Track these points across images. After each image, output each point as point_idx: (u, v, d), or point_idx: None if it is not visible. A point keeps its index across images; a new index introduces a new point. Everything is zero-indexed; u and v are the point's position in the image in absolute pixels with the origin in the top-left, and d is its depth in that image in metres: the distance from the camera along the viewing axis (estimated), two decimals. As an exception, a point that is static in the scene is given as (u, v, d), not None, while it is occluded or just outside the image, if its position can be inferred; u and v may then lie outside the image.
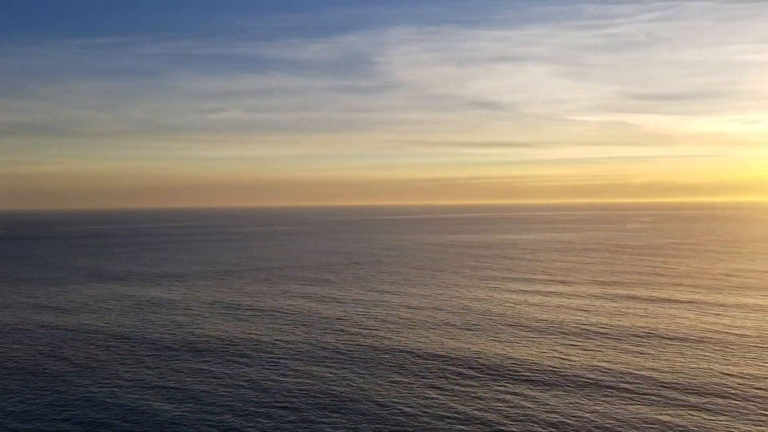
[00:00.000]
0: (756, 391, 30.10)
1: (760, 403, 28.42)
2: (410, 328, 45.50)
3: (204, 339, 43.21)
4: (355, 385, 32.05)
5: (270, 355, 38.43)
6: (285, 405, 29.14)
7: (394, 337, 42.61)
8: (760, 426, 25.75)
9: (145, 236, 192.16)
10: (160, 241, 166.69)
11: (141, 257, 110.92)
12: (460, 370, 34.44)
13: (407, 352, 38.58)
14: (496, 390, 30.84)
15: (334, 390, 31.21)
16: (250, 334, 44.61)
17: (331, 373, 34.35)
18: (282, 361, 37.09)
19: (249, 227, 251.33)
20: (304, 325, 47.61)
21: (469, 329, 44.91)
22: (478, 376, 33.18)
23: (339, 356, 37.93)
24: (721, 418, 26.70)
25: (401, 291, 64.03)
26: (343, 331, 45.09)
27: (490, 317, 49.17)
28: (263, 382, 32.86)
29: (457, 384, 31.91)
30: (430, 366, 35.31)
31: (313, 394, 30.69)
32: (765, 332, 42.72)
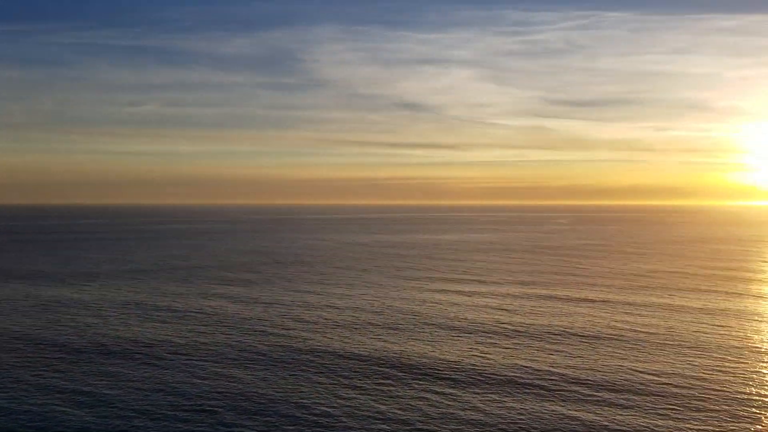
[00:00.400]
0: (664, 387, 31.47)
1: (668, 398, 29.71)
2: (333, 329, 45.18)
3: (117, 341, 41.44)
4: (275, 387, 31.45)
5: (187, 358, 37.23)
6: (202, 408, 28.24)
7: (317, 338, 42.18)
8: (669, 420, 26.91)
9: (55, 233, 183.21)
10: (72, 238, 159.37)
11: (50, 255, 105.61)
12: (383, 370, 34.42)
13: (330, 352, 38.25)
14: (418, 389, 30.96)
15: (254, 392, 30.52)
16: (167, 336, 43.12)
17: (251, 375, 33.60)
18: (199, 363, 35.99)
19: (167, 225, 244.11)
20: (223, 326, 46.45)
21: (391, 329, 45.01)
22: (400, 376, 33.24)
23: (260, 358, 37.17)
24: (633, 413, 27.74)
25: (324, 291, 63.59)
26: (264, 332, 44.27)
27: (412, 317, 49.48)
28: (179, 385, 31.76)
29: (380, 384, 31.85)
30: (352, 366, 35.11)
31: (231, 397, 29.90)
32: (672, 330, 44.83)
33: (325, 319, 48.97)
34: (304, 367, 35.00)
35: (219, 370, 34.59)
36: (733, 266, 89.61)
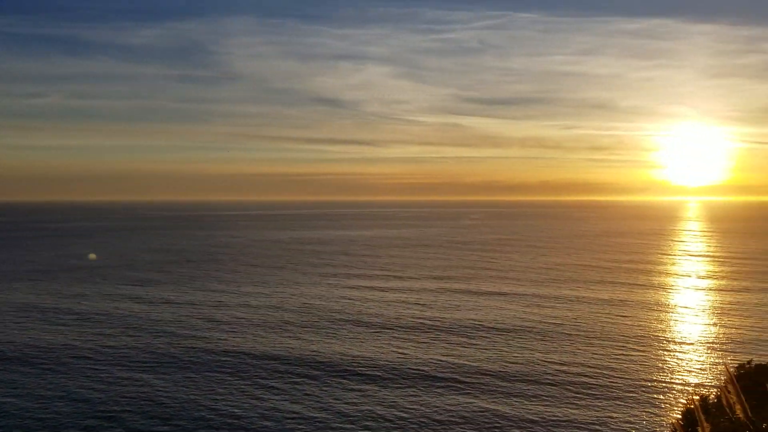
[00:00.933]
0: (573, 376, 32.52)
1: (577, 387, 30.71)
2: (247, 329, 44.11)
3: (14, 346, 38.83)
4: (187, 390, 30.31)
5: (91, 363, 35.33)
6: (107, 416, 26.81)
7: (231, 339, 41.05)
8: (578, 408, 27.79)
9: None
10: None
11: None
12: (299, 369, 33.86)
13: (244, 353, 37.29)
14: (335, 387, 30.62)
15: (165, 397, 29.29)
16: (69, 340, 40.79)
17: (160, 379, 32.24)
18: (105, 368, 34.23)
19: (69, 223, 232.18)
20: (130, 328, 44.43)
21: (308, 327, 44.43)
22: (317, 375, 32.80)
23: (170, 361, 35.76)
24: (544, 403, 28.47)
25: (238, 290, 62.10)
26: (174, 333, 42.66)
27: (329, 314, 49.04)
28: (83, 391, 30.06)
29: (296, 384, 31.30)
30: (267, 366, 34.36)
31: (140, 402, 28.56)
32: (579, 321, 46.50)
33: (239, 318, 47.77)
34: (217, 369, 33.95)
35: (126, 374, 33.01)
36: (635, 259, 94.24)
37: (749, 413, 6.54)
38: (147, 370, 33.89)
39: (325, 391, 30.19)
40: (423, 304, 53.55)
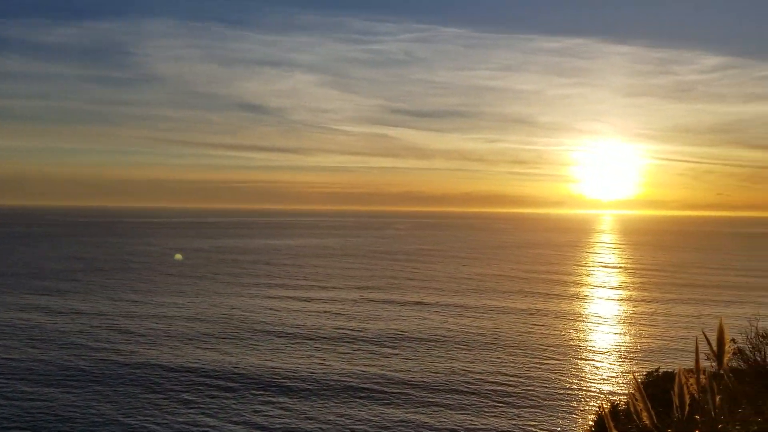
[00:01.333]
0: (492, 385, 33.03)
1: (497, 396, 31.20)
2: (163, 341, 42.59)
3: None
4: (96, 406, 28.87)
5: (-9, 378, 33.14)
6: (7, 436, 25.16)
7: (144, 351, 39.49)
8: (497, 418, 28.20)
9: None
10: None
11: None
12: (217, 382, 32.90)
13: (159, 366, 35.92)
14: (254, 401, 29.92)
15: (72, 413, 27.77)
16: (-33, 354, 38.17)
17: (68, 394, 30.58)
18: (6, 382, 32.17)
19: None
20: (36, 340, 42.04)
21: (227, 339, 43.32)
22: (236, 388, 31.95)
23: (79, 374, 34.00)
24: (465, 413, 28.75)
25: (154, 300, 59.97)
26: (84, 346, 40.65)
27: (249, 325, 48.03)
28: (-20, 410, 28.10)
29: (213, 397, 30.37)
30: (184, 380, 33.20)
31: (47, 418, 26.96)
32: (498, 331, 47.41)
33: (154, 330, 46.07)
34: (129, 383, 32.53)
35: (30, 389, 31.12)
36: (552, 269, 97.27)
37: (655, 420, 6.73)
38: (54, 384, 32.10)
39: (244, 404, 29.44)
40: (346, 314, 53.30)
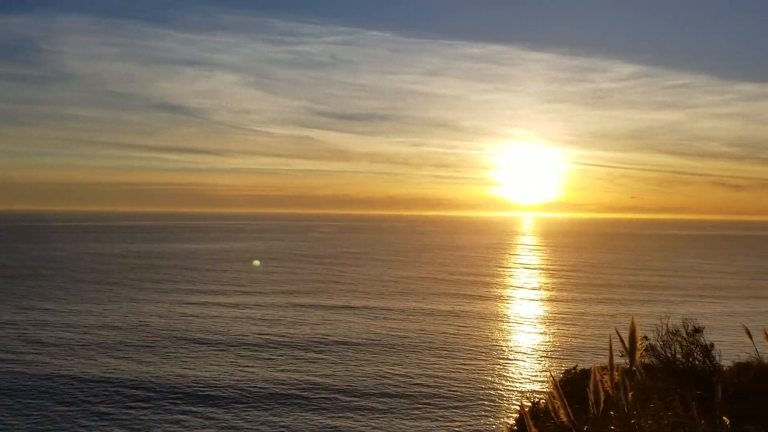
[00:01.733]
0: (418, 388, 33.22)
1: (422, 398, 31.39)
2: (76, 350, 40.65)
3: None
4: (7, 421, 27.19)
5: None
6: None
7: (56, 362, 37.56)
8: (419, 420, 28.36)
9: None
10: None
11: None
12: (135, 393, 31.65)
13: (73, 377, 34.23)
14: (174, 411, 28.94)
15: (-27, 432, 26.06)
16: None
17: (-31, 411, 28.67)
18: None
19: None
20: (-64, 354, 39.29)
21: (145, 347, 41.80)
22: (155, 398, 30.83)
23: (-18, 390, 31.96)
24: (390, 416, 28.76)
25: (66, 308, 57.22)
26: (-11, 358, 38.28)
27: (168, 333, 46.52)
28: None
29: (131, 409, 29.19)
30: (99, 391, 31.76)
31: (-58, 440, 25.18)
32: (424, 333, 47.82)
33: (66, 339, 43.92)
34: (40, 396, 30.84)
35: (-74, 408, 29.01)
36: (475, 271, 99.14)
37: (572, 417, 6.81)
38: (-47, 401, 30.03)
39: (164, 415, 28.43)
40: (270, 320, 52.48)
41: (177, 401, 30.42)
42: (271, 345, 42.92)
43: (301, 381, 34.04)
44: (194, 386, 32.85)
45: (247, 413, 28.86)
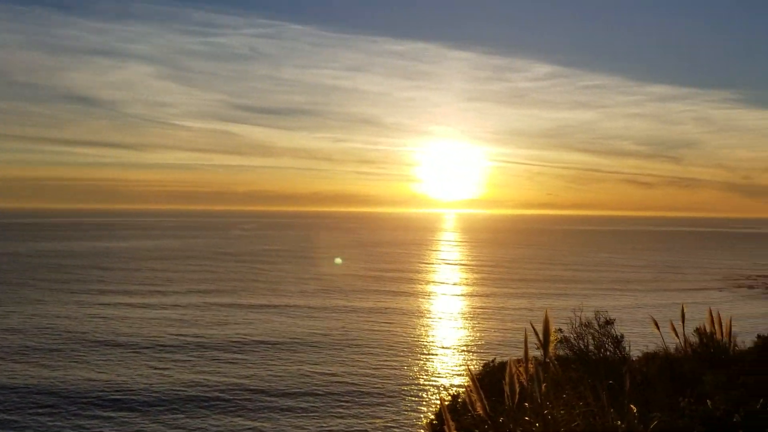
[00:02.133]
0: (340, 386, 33.05)
1: (344, 397, 31.25)
2: (-24, 357, 38.16)
3: None
4: None
5: None
6: None
7: (-47, 370, 35.13)
8: (342, 418, 28.21)
9: None
10: None
11: None
12: (41, 399, 29.98)
13: (-30, 386, 32.08)
14: (83, 418, 27.60)
15: None
16: None
17: None
18: None
19: None
20: None
21: (53, 351, 39.72)
22: (62, 405, 29.30)
23: None
24: (312, 416, 28.45)
25: (-33, 312, 53.67)
26: None
27: (78, 336, 44.40)
28: None
29: (36, 416, 27.63)
30: (1, 400, 29.89)
31: None
32: (347, 331, 47.70)
33: (-33, 345, 41.17)
34: (-68, 408, 28.74)
35: None
36: (398, 268, 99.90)
37: (488, 409, 6.86)
38: None
39: (72, 420, 27.07)
40: (187, 320, 51.00)
41: (87, 406, 29.04)
42: (189, 346, 41.71)
43: (220, 382, 33.21)
44: (106, 390, 31.45)
45: (163, 417, 27.89)
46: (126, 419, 27.59)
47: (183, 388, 32.09)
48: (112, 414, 28.24)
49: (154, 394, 31.03)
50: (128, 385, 32.43)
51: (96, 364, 36.78)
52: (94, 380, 33.33)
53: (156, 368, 36.05)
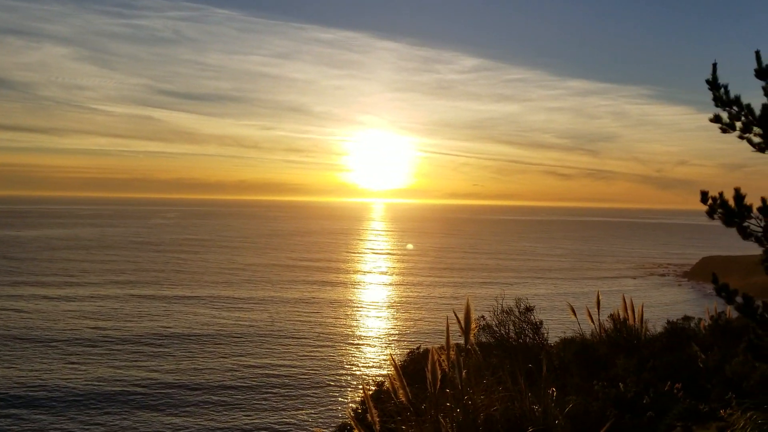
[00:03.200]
0: (265, 378, 32.68)
1: (269, 389, 30.91)
2: None
3: None
4: None
5: None
6: None
7: None
8: (269, 411, 27.90)
9: None
10: None
11: None
12: (-58, 399, 28.25)
13: None
14: (-9, 417, 26.19)
15: None
16: None
17: None
18: None
19: None
20: None
21: (-42, 347, 37.46)
22: (-33, 404, 27.71)
23: None
24: (236, 411, 28.00)
25: None
26: None
27: (-13, 330, 42.06)
28: None
29: (-64, 417, 26.01)
30: None
31: None
32: (272, 322, 47.18)
33: None
34: None
35: None
36: (325, 257, 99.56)
37: (410, 396, 6.89)
38: None
39: (-22, 421, 25.64)
40: (105, 313, 49.14)
41: (-5, 405, 27.56)
42: (107, 340, 40.22)
43: (141, 377, 32.21)
44: (16, 388, 29.93)
45: (80, 415, 26.80)
46: (40, 418, 26.36)
47: (100, 384, 30.93)
48: (22, 411, 26.93)
49: (68, 391, 29.76)
50: (41, 381, 30.97)
51: (5, 360, 34.92)
52: (5, 377, 31.64)
53: (71, 363, 34.58)
